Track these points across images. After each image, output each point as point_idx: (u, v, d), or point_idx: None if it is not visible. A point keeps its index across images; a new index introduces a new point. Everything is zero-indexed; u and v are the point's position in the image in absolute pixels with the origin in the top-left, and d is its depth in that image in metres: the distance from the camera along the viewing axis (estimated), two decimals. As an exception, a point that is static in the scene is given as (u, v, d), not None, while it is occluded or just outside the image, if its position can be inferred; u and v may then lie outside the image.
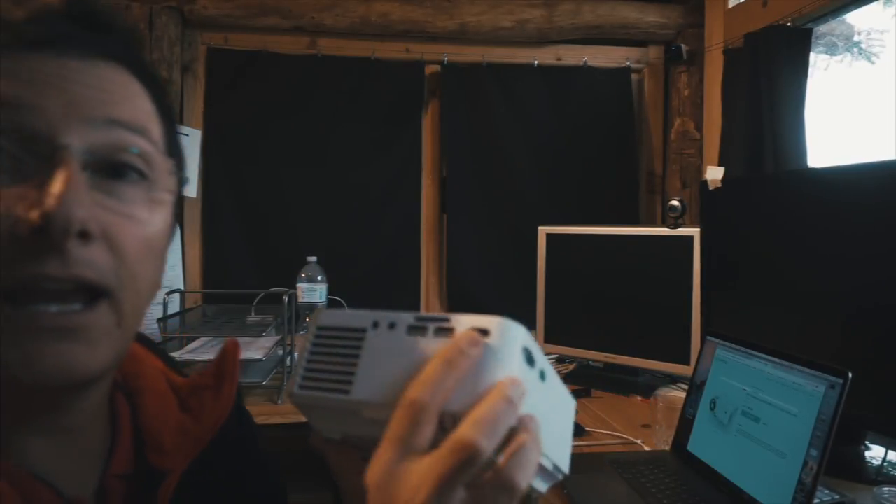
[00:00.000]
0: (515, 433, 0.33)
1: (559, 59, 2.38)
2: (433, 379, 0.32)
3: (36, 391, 0.39)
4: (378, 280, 2.28)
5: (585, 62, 2.37)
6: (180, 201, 0.48)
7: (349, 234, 2.24)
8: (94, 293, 0.38)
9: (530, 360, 0.36)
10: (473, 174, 2.33)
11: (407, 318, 0.36)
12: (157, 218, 0.42)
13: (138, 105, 0.42)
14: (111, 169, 0.40)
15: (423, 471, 0.31)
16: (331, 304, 1.98)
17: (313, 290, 1.90)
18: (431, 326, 0.35)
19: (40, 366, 0.37)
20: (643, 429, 1.39)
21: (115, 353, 0.41)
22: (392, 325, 0.36)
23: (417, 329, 0.36)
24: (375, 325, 0.37)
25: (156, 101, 0.44)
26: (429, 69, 2.32)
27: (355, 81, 2.25)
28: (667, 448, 1.20)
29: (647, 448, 1.30)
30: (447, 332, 0.35)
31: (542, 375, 0.37)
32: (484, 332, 0.34)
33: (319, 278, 1.91)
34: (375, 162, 2.28)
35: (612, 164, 2.39)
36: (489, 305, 2.32)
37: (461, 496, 0.32)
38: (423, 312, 0.37)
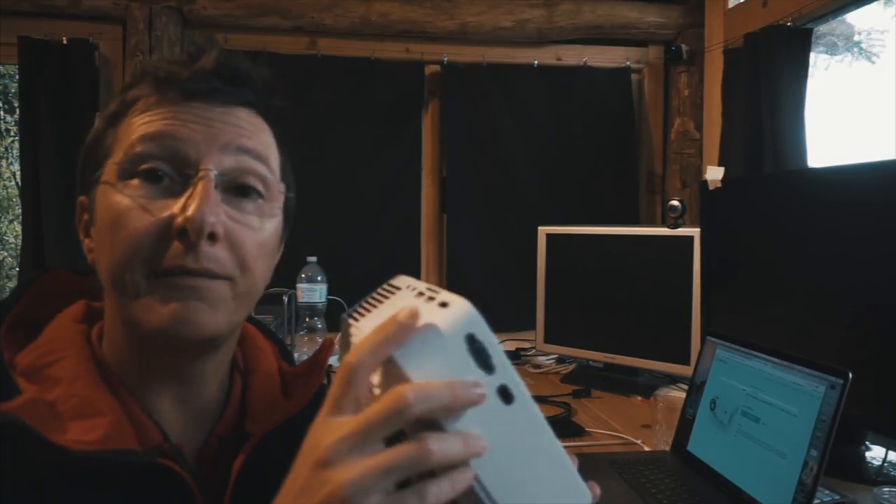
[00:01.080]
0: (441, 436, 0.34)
1: (559, 59, 2.38)
2: (367, 345, 0.36)
3: (174, 343, 0.50)
4: (378, 280, 2.21)
5: (585, 62, 2.37)
6: (289, 212, 0.61)
7: (349, 234, 2.24)
8: (216, 279, 0.50)
9: (481, 356, 0.36)
10: (473, 174, 2.33)
11: (423, 286, 0.41)
12: (268, 226, 0.55)
13: (262, 139, 0.55)
14: (238, 188, 0.52)
15: (351, 420, 0.34)
16: (331, 304, 1.98)
17: (313, 290, 1.90)
18: (427, 294, 0.39)
19: (179, 318, 0.49)
20: (643, 429, 1.39)
21: (230, 321, 0.53)
22: (413, 289, 0.41)
23: (421, 295, 0.40)
24: (409, 287, 0.42)
25: (276, 137, 0.58)
26: (429, 69, 2.32)
27: (355, 81, 2.24)
28: (667, 448, 1.20)
29: (647, 448, 1.30)
30: (432, 300, 0.38)
31: (505, 395, 0.36)
32: (443, 305, 0.37)
33: (319, 278, 1.91)
34: (375, 162, 2.28)
35: (612, 164, 2.39)
36: (489, 305, 2.30)
37: (377, 450, 0.34)
38: (438, 287, 0.40)
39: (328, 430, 0.35)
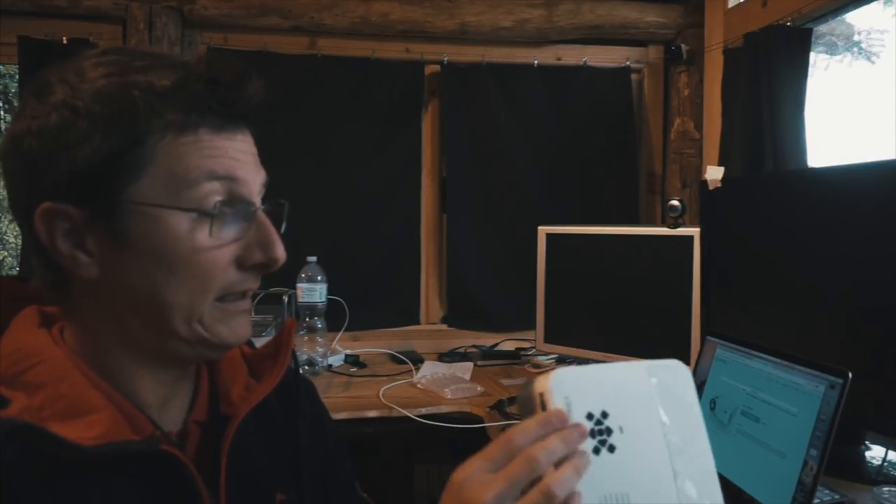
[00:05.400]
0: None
1: (559, 59, 2.38)
2: (525, 429, 0.45)
3: (223, 350, 0.59)
4: (378, 280, 2.28)
5: (585, 62, 2.37)
6: None
7: (349, 234, 2.24)
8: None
9: (590, 417, 0.47)
10: (473, 174, 2.33)
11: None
12: None
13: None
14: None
15: (496, 476, 0.44)
16: (331, 303, 1.98)
17: (313, 290, 1.90)
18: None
19: (238, 334, 0.58)
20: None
21: None
22: None
23: None
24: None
25: None
26: (429, 69, 2.32)
27: (355, 81, 2.24)
28: (667, 448, 1.20)
29: (647, 448, 1.30)
30: None
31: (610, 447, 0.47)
32: None
33: (319, 278, 1.91)
34: (375, 162, 2.27)
35: (612, 164, 2.38)
36: (489, 305, 2.32)
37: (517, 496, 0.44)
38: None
39: (485, 485, 0.44)
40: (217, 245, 0.54)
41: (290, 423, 0.69)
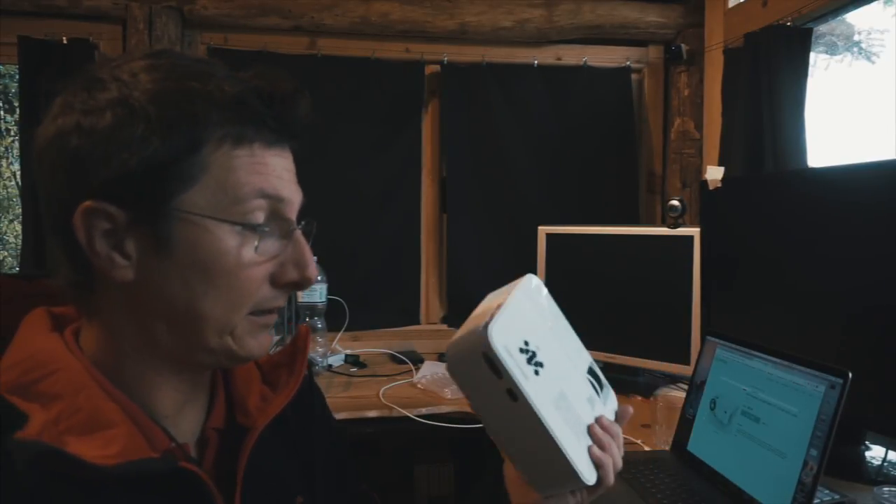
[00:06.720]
0: None
1: (559, 59, 2.38)
2: None
3: (246, 362, 0.59)
4: (378, 280, 2.28)
5: (585, 62, 2.37)
6: None
7: (349, 234, 2.24)
8: None
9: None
10: (473, 174, 2.33)
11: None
12: None
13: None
14: None
15: None
16: (331, 303, 1.98)
17: (313, 290, 1.90)
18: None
19: (264, 346, 0.58)
20: (643, 429, 1.39)
21: None
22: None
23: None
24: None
25: None
26: (429, 69, 2.32)
27: (355, 81, 2.24)
28: (667, 448, 1.20)
29: (646, 448, 1.30)
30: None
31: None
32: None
33: (319, 278, 1.91)
34: (375, 162, 2.28)
35: (612, 164, 2.38)
36: (489, 305, 2.31)
37: None
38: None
39: None
40: (259, 261, 0.54)
41: (304, 428, 0.69)
